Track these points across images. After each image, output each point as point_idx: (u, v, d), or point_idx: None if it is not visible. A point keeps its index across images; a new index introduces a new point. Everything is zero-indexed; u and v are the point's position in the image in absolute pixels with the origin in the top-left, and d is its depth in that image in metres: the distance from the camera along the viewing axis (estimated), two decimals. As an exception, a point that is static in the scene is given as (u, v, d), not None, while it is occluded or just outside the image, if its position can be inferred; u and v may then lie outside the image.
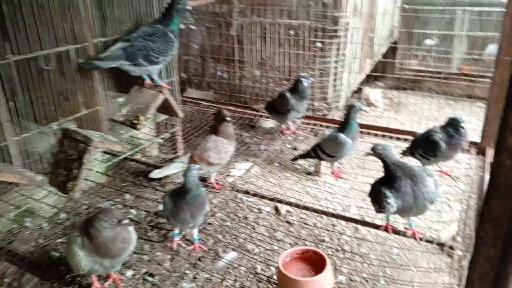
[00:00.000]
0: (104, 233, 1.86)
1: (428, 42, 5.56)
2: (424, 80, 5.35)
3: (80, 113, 2.77)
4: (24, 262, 2.28)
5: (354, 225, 2.93)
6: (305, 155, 3.24)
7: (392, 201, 2.13)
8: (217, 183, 2.94)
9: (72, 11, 2.54)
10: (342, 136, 2.95)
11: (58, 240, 2.67)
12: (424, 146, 2.84)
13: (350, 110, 2.98)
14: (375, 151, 2.21)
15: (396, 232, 2.41)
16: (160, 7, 3.06)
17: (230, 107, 4.32)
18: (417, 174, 2.15)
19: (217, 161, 2.75)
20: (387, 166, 2.17)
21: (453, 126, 2.77)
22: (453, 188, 3.42)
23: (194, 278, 2.55)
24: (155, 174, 2.65)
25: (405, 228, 2.41)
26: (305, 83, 3.48)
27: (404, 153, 3.14)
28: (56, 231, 2.82)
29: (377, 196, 2.21)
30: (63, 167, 2.30)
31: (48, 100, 2.68)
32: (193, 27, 4.59)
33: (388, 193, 2.13)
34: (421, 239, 2.33)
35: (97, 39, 2.77)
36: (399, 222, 2.73)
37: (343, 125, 3.00)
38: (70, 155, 2.27)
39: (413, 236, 2.34)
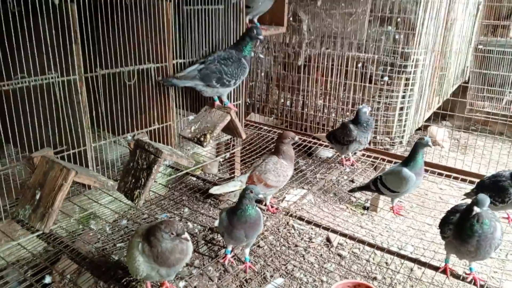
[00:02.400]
0: (163, 243, 1.93)
1: None
2: (495, 123, 5.11)
3: (153, 126, 2.95)
4: (85, 261, 2.42)
5: (409, 265, 2.83)
6: (364, 188, 3.17)
7: (450, 233, 2.19)
8: (271, 206, 2.98)
9: (157, 34, 2.75)
10: (406, 171, 2.83)
11: (118, 245, 2.82)
12: (492, 190, 2.68)
13: (417, 144, 2.87)
14: (481, 207, 2.07)
15: (456, 276, 2.30)
16: (235, 34, 3.23)
17: (291, 134, 4.39)
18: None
19: (275, 183, 2.79)
20: (479, 218, 2.08)
21: (523, 173, 2.62)
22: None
23: (242, 298, 2.58)
24: (214, 190, 2.74)
25: (465, 273, 2.30)
26: (368, 113, 3.46)
27: (468, 195, 3.00)
28: (117, 236, 2.98)
29: (445, 220, 2.27)
30: (133, 175, 2.44)
31: (126, 112, 2.89)
32: (261, 55, 4.76)
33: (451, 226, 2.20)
34: (482, 286, 2.21)
35: (176, 60, 2.98)
36: (458, 266, 2.61)
37: (408, 160, 2.89)
38: (140, 164, 2.42)
39: (474, 282, 2.22)
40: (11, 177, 2.45)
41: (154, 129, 2.96)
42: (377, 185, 2.98)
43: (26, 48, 2.25)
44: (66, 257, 2.59)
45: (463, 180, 3.38)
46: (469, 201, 2.22)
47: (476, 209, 2.03)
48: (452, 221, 2.19)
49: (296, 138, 2.91)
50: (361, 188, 3.20)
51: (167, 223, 1.94)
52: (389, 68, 4.02)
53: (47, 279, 2.37)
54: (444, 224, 2.26)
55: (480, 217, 2.05)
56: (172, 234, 1.93)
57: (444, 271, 2.32)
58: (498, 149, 4.54)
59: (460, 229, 2.13)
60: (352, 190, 3.30)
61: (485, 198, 2.06)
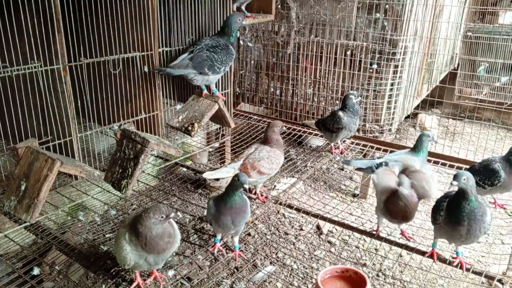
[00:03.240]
0: (153, 230, 1.93)
1: (481, 68, 5.39)
2: (484, 109, 5.15)
3: (140, 116, 2.94)
4: (74, 252, 2.41)
5: (398, 251, 2.85)
6: (363, 169, 3.14)
7: (441, 219, 2.19)
8: (261, 195, 2.98)
9: (142, 22, 2.72)
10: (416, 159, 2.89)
11: (107, 235, 2.81)
12: (482, 174, 2.72)
13: (422, 138, 2.91)
14: (457, 180, 2.07)
15: (442, 260, 2.32)
16: (221, 22, 3.21)
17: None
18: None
19: (268, 171, 2.80)
20: (464, 194, 2.10)
21: (513, 156, 2.65)
22: (507, 223, 3.25)
23: (231, 286, 2.59)
24: (208, 174, 2.75)
25: (452, 258, 2.32)
26: (354, 100, 3.47)
27: None
28: (106, 227, 2.97)
29: (436, 208, 2.25)
30: (120, 165, 2.43)
31: (112, 102, 2.87)
32: (250, 44, 4.73)
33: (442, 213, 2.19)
34: (468, 269, 2.24)
35: (162, 48, 2.95)
36: (445, 250, 2.63)
37: (416, 149, 2.94)
38: (127, 154, 2.40)
39: (460, 266, 2.25)
40: (-5, 168, 2.42)
41: (141, 119, 2.94)
42: None
43: (8, 37, 2.21)
44: (55, 249, 2.58)
45: (451, 166, 3.41)
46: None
47: (454, 183, 2.06)
48: (443, 208, 2.21)
49: (284, 128, 2.94)
50: (360, 169, 3.20)
51: (154, 208, 1.94)
52: (377, 55, 4.01)
53: (36, 271, 2.36)
54: (435, 211, 2.27)
55: (466, 193, 2.06)
56: (162, 217, 1.92)
57: (431, 256, 2.34)
58: (486, 135, 4.57)
59: (450, 212, 2.15)
60: (347, 162, 3.27)
61: (462, 173, 2.08)
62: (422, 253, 2.38)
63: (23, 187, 2.19)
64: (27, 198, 2.16)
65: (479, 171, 2.74)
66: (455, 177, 2.07)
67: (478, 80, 5.54)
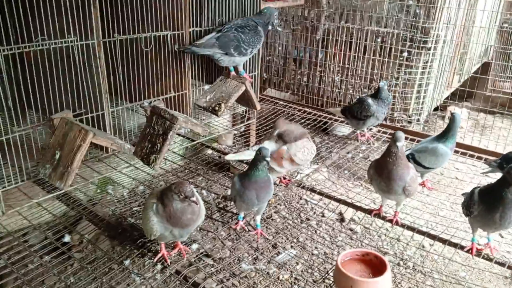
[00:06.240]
0: (174, 204, 1.98)
1: None
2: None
3: (169, 94, 2.99)
4: (103, 223, 2.51)
5: (420, 241, 2.84)
6: None
7: (475, 209, 2.16)
8: (284, 178, 2.99)
9: (174, 1, 2.76)
10: (443, 147, 2.89)
11: (135, 209, 2.90)
12: None
13: (456, 117, 2.88)
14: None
15: (479, 256, 2.33)
16: (252, 4, 3.20)
17: (306, 109, 4.37)
18: None
19: (301, 162, 2.78)
20: (504, 184, 2.08)
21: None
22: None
23: (252, 264, 2.64)
24: (230, 156, 2.79)
25: (479, 244, 2.32)
26: (386, 89, 3.44)
27: (491, 166, 2.98)
28: (134, 201, 3.06)
29: (469, 201, 2.22)
30: (149, 140, 2.50)
31: (143, 79, 2.93)
32: (279, 29, 4.71)
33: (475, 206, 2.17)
34: (490, 259, 2.22)
35: (193, 28, 2.99)
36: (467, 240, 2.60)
37: (445, 134, 2.91)
38: (156, 130, 2.47)
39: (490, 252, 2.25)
40: (32, 140, 2.52)
41: (170, 97, 3.00)
42: None
43: (47, 11, 2.29)
44: (84, 219, 2.69)
45: (479, 158, 3.34)
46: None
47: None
48: (475, 200, 2.18)
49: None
50: None
51: (177, 185, 1.98)
52: (408, 43, 3.94)
53: (67, 238, 2.47)
54: (469, 204, 2.23)
55: (508, 182, 2.03)
56: (181, 195, 1.97)
57: (470, 250, 2.34)
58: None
59: (485, 201, 2.13)
60: None
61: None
62: (454, 245, 2.39)
63: (57, 156, 2.28)
64: (61, 167, 2.26)
65: None
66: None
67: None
